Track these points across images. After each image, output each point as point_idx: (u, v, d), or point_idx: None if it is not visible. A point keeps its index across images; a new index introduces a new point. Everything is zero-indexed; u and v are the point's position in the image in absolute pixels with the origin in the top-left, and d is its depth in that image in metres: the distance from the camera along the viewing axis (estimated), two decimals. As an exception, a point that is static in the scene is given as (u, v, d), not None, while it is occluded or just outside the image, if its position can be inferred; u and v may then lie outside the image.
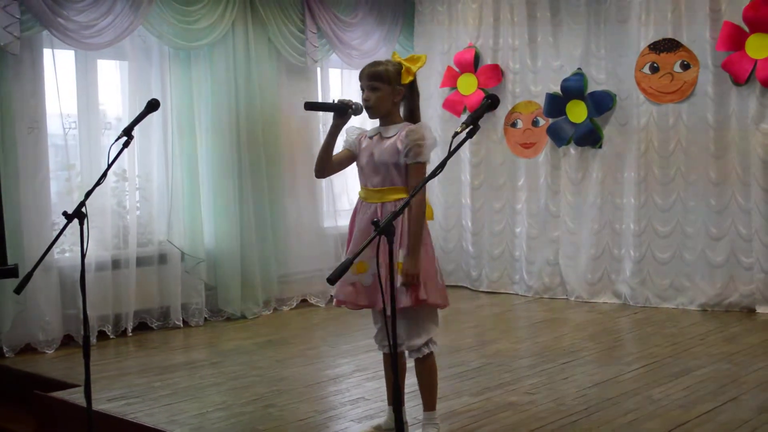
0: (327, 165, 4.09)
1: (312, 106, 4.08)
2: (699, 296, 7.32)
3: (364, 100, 4.00)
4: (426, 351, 4.05)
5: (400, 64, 4.00)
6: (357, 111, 4.02)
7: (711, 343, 6.11)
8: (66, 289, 6.67)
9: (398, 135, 3.96)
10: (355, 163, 4.16)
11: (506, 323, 7.24)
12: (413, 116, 4.07)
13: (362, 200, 4.08)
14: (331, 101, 4.02)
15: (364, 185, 4.09)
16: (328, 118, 8.52)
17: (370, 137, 4.08)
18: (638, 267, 7.61)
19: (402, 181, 3.97)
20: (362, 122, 4.49)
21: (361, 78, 4.04)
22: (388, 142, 3.98)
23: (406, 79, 3.99)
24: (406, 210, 3.94)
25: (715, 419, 4.36)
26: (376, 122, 4.15)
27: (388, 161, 3.96)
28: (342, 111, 3.99)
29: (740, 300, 7.15)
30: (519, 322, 7.32)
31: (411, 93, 4.07)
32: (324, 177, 4.27)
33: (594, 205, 7.92)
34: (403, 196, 3.96)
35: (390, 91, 3.98)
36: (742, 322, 6.77)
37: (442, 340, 6.08)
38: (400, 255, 3.88)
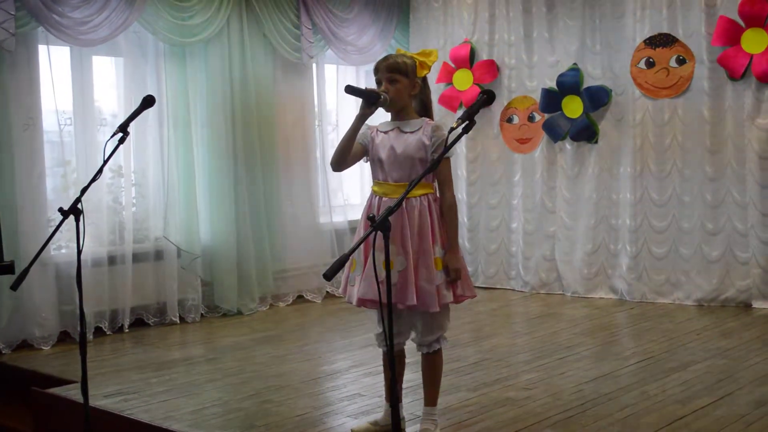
0: (347, 156, 3.96)
1: (352, 90, 3.89)
2: (695, 291, 7.34)
3: (384, 92, 3.94)
4: (436, 347, 4.05)
5: (413, 58, 3.99)
6: (385, 102, 3.93)
7: (707, 338, 6.12)
8: (62, 285, 6.67)
9: (422, 130, 3.94)
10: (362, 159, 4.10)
11: (503, 319, 7.24)
12: (427, 111, 4.06)
13: (380, 196, 3.99)
14: (364, 88, 3.92)
15: (383, 180, 4.01)
16: (323, 115, 8.59)
17: (385, 132, 4.03)
18: (634, 262, 7.62)
19: (426, 176, 3.92)
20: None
21: (377, 71, 3.98)
22: (412, 137, 3.94)
23: (422, 73, 3.99)
24: (437, 206, 3.94)
25: (711, 414, 4.36)
26: (382, 117, 4.11)
27: (414, 156, 3.92)
28: (372, 100, 3.87)
29: (736, 295, 7.16)
30: (515, 318, 7.32)
31: (424, 87, 4.07)
32: (341, 170, 4.14)
33: (590, 201, 7.92)
34: (429, 191, 3.96)
35: (408, 83, 3.95)
36: (738, 317, 6.78)
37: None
38: (437, 251, 3.88)
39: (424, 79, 4.05)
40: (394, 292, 3.81)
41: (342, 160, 3.98)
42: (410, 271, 3.86)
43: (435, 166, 3.49)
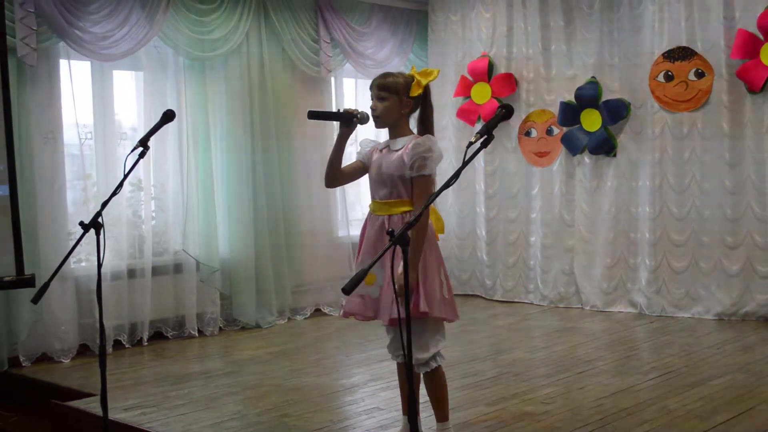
0: (335, 174, 4.10)
1: (315, 115, 4.06)
2: (715, 305, 7.29)
3: (372, 109, 4.02)
4: (434, 365, 4.03)
5: (412, 77, 4.02)
6: (363, 120, 4.03)
7: (727, 353, 6.08)
8: (82, 298, 6.70)
9: (405, 148, 3.97)
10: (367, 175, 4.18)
11: (521, 333, 7.22)
12: (426, 129, 4.07)
13: (371, 212, 4.10)
14: (336, 110, 4.01)
15: (373, 197, 4.11)
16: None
17: (381, 150, 4.10)
18: (654, 276, 7.59)
19: (408, 194, 3.97)
20: (377, 134, 4.47)
21: (371, 88, 4.06)
22: (395, 155, 3.99)
23: (415, 92, 4.00)
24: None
25: (731, 429, 4.34)
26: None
27: (394, 174, 3.96)
28: (347, 120, 4.00)
29: (756, 309, 7.12)
30: (534, 332, 7.30)
31: (424, 106, 4.07)
32: (333, 186, 4.27)
33: (609, 214, 7.90)
34: (410, 208, 3.97)
35: (397, 101, 3.99)
36: (758, 332, 6.74)
37: (456, 350, 6.14)
38: (400, 267, 3.87)
39: (425, 98, 4.05)
40: (375, 307, 3.98)
41: (329, 177, 4.12)
42: (386, 287, 3.93)
43: (454, 180, 3.48)
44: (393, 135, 4.08)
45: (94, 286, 3.75)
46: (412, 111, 4.07)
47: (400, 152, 3.97)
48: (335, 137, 4.10)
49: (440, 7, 9.03)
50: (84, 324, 6.71)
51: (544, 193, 8.34)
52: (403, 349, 3.03)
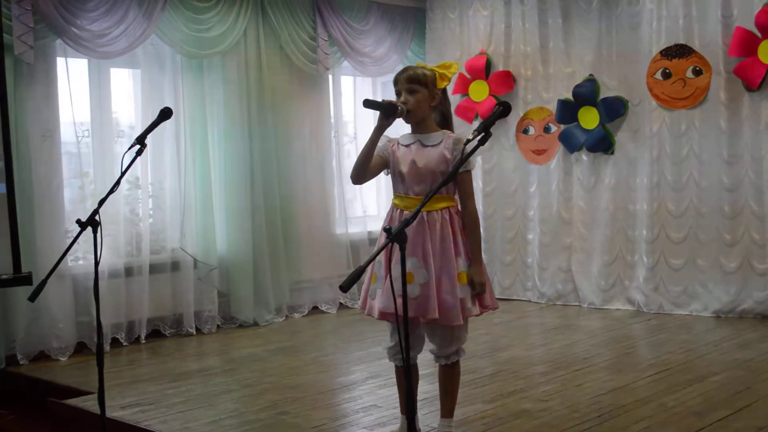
0: (366, 168, 3.94)
1: (370, 104, 3.87)
2: (713, 303, 7.30)
3: (402, 103, 3.92)
4: (455, 358, 4.04)
5: (433, 71, 3.99)
6: (403, 113, 3.90)
7: (725, 350, 6.09)
8: (79, 296, 6.70)
9: (443, 143, 3.93)
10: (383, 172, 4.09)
11: (519, 330, 7.22)
12: (447, 123, 4.05)
13: (401, 209, 3.97)
14: (381, 101, 3.91)
15: (404, 193, 3.99)
16: (340, 126, 8.62)
17: (406, 145, 4.01)
18: (651, 273, 7.59)
19: (447, 190, 3.92)
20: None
21: (397, 82, 3.97)
22: (434, 151, 3.93)
23: (441, 84, 3.97)
24: (459, 219, 3.93)
25: (729, 426, 4.34)
26: (402, 129, 4.10)
27: (436, 169, 3.90)
28: (390, 112, 3.85)
29: (754, 306, 7.12)
30: (532, 329, 7.30)
31: (444, 100, 4.06)
32: (362, 183, 4.14)
33: (606, 212, 7.90)
34: (450, 204, 3.95)
35: (428, 95, 3.94)
36: (756, 329, 6.74)
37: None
38: (461, 264, 3.87)
39: (444, 91, 4.04)
40: (414, 306, 3.80)
41: (361, 173, 3.97)
42: (432, 285, 3.84)
43: (451, 178, 3.50)
44: (420, 130, 4.01)
45: (92, 284, 3.76)
46: (439, 105, 4.03)
47: (438, 148, 3.92)
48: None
49: (438, 4, 9.02)
50: (81, 322, 6.71)
51: (541, 190, 8.35)
52: (400, 345, 3.02)
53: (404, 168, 3.97)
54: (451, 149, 3.90)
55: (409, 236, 3.82)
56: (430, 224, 3.88)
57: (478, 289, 3.88)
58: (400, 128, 4.07)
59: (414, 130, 4.04)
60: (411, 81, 3.92)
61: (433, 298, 3.83)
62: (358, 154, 3.97)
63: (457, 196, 4.02)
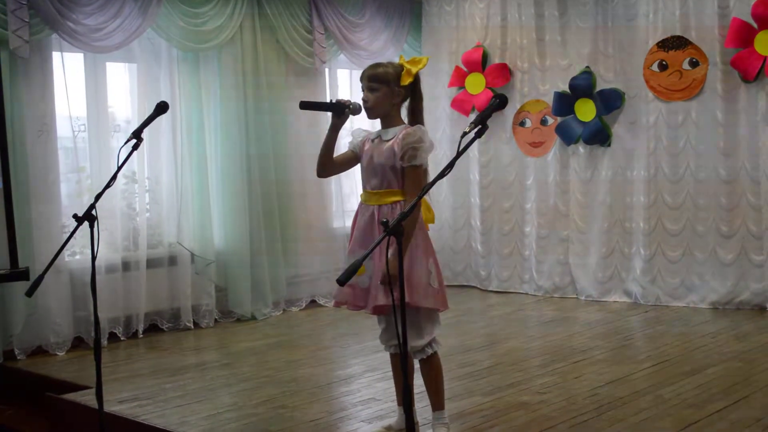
0: (327, 164, 4.12)
1: (307, 106, 4.07)
2: (710, 294, 7.31)
3: (363, 100, 4.03)
4: (429, 351, 4.05)
5: (401, 66, 4.02)
6: (355, 111, 4.03)
7: (722, 342, 6.10)
8: (77, 291, 6.70)
9: (395, 138, 3.97)
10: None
11: (516, 323, 7.23)
12: (416, 119, 4.07)
13: (362, 202, 4.11)
14: (328, 101, 4.01)
15: (364, 187, 4.12)
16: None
17: (372, 140, 4.10)
18: (648, 265, 7.60)
19: (399, 184, 3.98)
20: (372, 125, 4.45)
21: (361, 79, 4.06)
22: (386, 145, 4.00)
23: (405, 81, 4.00)
24: (396, 212, 3.94)
25: (726, 418, 4.35)
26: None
27: (385, 164, 3.97)
28: (338, 110, 4.00)
29: (751, 298, 7.13)
30: (529, 322, 7.30)
31: (414, 95, 4.07)
32: (325, 176, 4.30)
33: (603, 204, 7.90)
34: (400, 198, 3.98)
35: (388, 92, 3.99)
36: (753, 320, 6.75)
37: (452, 341, 6.14)
38: (389, 255, 3.88)
39: (414, 87, 4.05)
40: (363, 297, 3.99)
41: (322, 168, 4.15)
42: (373, 276, 3.94)
43: (445, 174, 3.49)
44: (385, 125, 4.08)
45: (89, 279, 3.77)
46: (404, 100, 4.07)
47: (391, 142, 3.98)
48: (329, 127, 4.09)
49: (434, -3, 9.02)
50: (79, 317, 6.71)
51: (538, 183, 8.34)
52: (397, 338, 3.03)
53: (364, 162, 4.10)
54: (399, 143, 3.93)
55: (361, 229, 4.04)
56: (379, 217, 3.93)
57: (383, 279, 3.84)
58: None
59: (381, 126, 4.12)
60: (371, 79, 4.00)
61: (374, 289, 3.93)
62: (319, 150, 4.11)
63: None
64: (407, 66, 4.01)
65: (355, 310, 4.13)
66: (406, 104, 4.09)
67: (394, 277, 3.84)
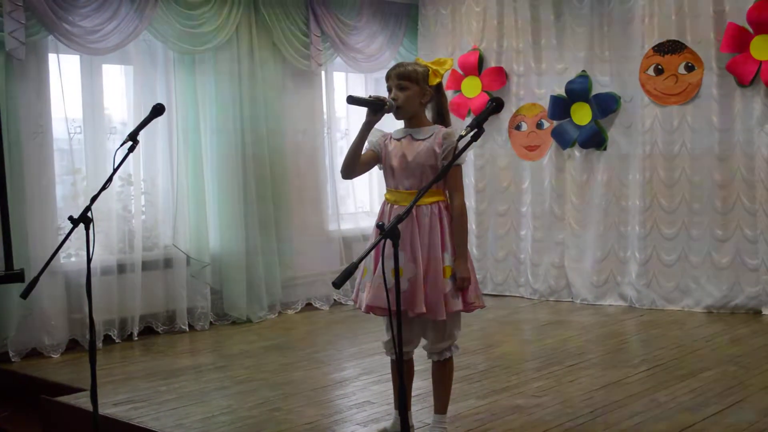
0: (355, 164, 3.99)
1: (354, 100, 3.95)
2: (705, 298, 7.32)
3: (392, 99, 3.95)
4: (447, 354, 4.05)
5: (426, 67, 4.00)
6: (392, 109, 3.95)
7: (717, 346, 6.10)
8: (72, 293, 6.69)
9: (434, 137, 3.93)
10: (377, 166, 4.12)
11: (512, 326, 7.23)
12: (443, 119, 4.05)
13: (392, 203, 4.00)
14: (367, 97, 3.95)
15: (394, 188, 4.02)
16: (332, 122, 8.60)
17: (398, 139, 4.03)
18: (644, 269, 7.60)
19: (436, 184, 3.91)
20: (380, 124, 4.40)
21: (388, 78, 4.00)
22: (423, 145, 3.94)
23: (434, 81, 3.98)
24: (448, 213, 3.94)
25: (721, 422, 4.35)
26: (397, 124, 4.12)
27: (425, 163, 3.92)
28: (377, 107, 3.90)
29: (746, 302, 7.14)
30: (524, 325, 7.31)
31: (439, 96, 4.06)
32: (351, 177, 4.14)
33: (599, 208, 7.91)
34: (440, 198, 3.96)
35: (418, 91, 3.96)
36: (748, 324, 6.76)
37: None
38: (446, 259, 3.88)
39: (439, 87, 4.04)
40: (403, 300, 3.77)
41: (351, 168, 4.01)
42: (419, 279, 3.85)
43: (444, 173, 3.50)
44: (412, 125, 4.03)
45: (84, 281, 3.74)
46: (431, 101, 4.04)
47: (429, 141, 3.93)
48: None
49: (431, 0, 9.01)
50: (74, 319, 6.70)
51: (534, 186, 8.35)
52: (393, 342, 3.03)
53: (395, 162, 3.99)
54: (441, 143, 3.91)
55: (406, 231, 3.88)
56: (419, 219, 3.89)
57: (460, 283, 3.88)
58: (396, 124, 4.08)
59: (406, 125, 4.06)
60: (401, 77, 3.95)
61: (420, 292, 3.85)
62: (348, 149, 4.00)
63: (447, 191, 4.02)
64: (433, 66, 4.00)
65: (385, 315, 3.90)
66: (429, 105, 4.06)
67: (464, 282, 3.87)
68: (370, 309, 3.95)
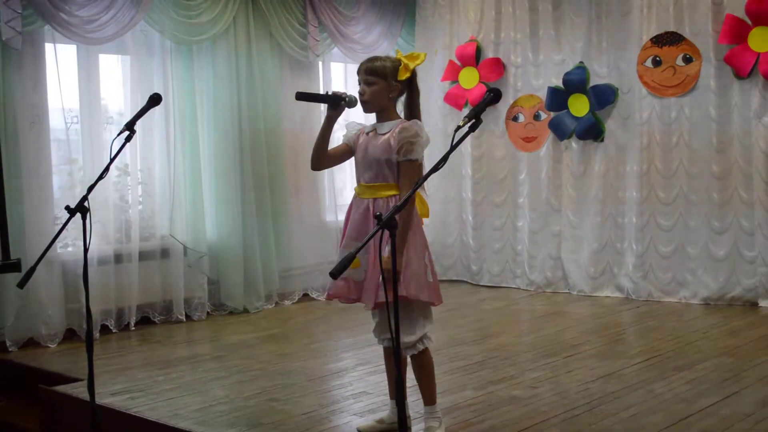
0: (322, 157, 4.12)
1: (303, 97, 4.05)
2: (701, 290, 7.32)
3: (360, 93, 4.03)
4: (420, 347, 4.04)
5: (399, 61, 4.02)
6: (351, 103, 4.04)
7: (713, 337, 6.11)
8: (69, 283, 6.69)
9: (392, 132, 3.97)
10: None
11: (508, 317, 7.24)
12: (413, 114, 4.07)
13: (356, 195, 4.10)
14: (324, 93, 4.01)
15: (358, 180, 4.11)
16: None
17: (367, 133, 4.10)
18: (641, 261, 7.61)
19: (394, 178, 3.97)
20: (366, 118, 4.46)
21: (358, 72, 4.06)
22: (381, 139, 4.00)
23: (403, 76, 4.00)
24: (391, 206, 3.94)
25: (717, 413, 4.36)
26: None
27: (380, 157, 3.97)
28: (335, 102, 3.99)
29: (743, 294, 7.15)
30: (521, 316, 7.32)
31: (410, 90, 4.08)
32: (319, 169, 4.30)
33: (596, 199, 7.91)
34: (395, 192, 3.98)
35: (386, 86, 3.99)
36: (744, 316, 6.77)
37: (443, 335, 6.15)
38: (386, 251, 3.87)
39: (411, 82, 4.06)
40: (358, 290, 4.01)
41: (316, 161, 4.15)
42: (369, 271, 3.95)
43: (438, 167, 3.49)
44: (380, 119, 4.08)
45: (81, 271, 3.75)
46: (400, 95, 4.07)
47: (386, 136, 3.98)
48: (323, 121, 4.08)
49: (428, -9, 9.01)
50: (71, 309, 6.69)
51: (531, 178, 8.35)
52: (390, 333, 3.03)
53: (359, 155, 4.09)
54: (395, 137, 3.93)
55: (355, 222, 4.03)
56: (374, 211, 3.93)
57: (386, 275, 3.75)
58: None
59: (377, 119, 4.11)
60: (368, 73, 4.00)
61: (370, 283, 3.93)
62: (314, 142, 4.10)
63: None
64: (404, 61, 4.01)
65: (349, 303, 4.15)
66: (401, 99, 4.09)
67: (389, 273, 3.85)
68: (329, 297, 4.17)
